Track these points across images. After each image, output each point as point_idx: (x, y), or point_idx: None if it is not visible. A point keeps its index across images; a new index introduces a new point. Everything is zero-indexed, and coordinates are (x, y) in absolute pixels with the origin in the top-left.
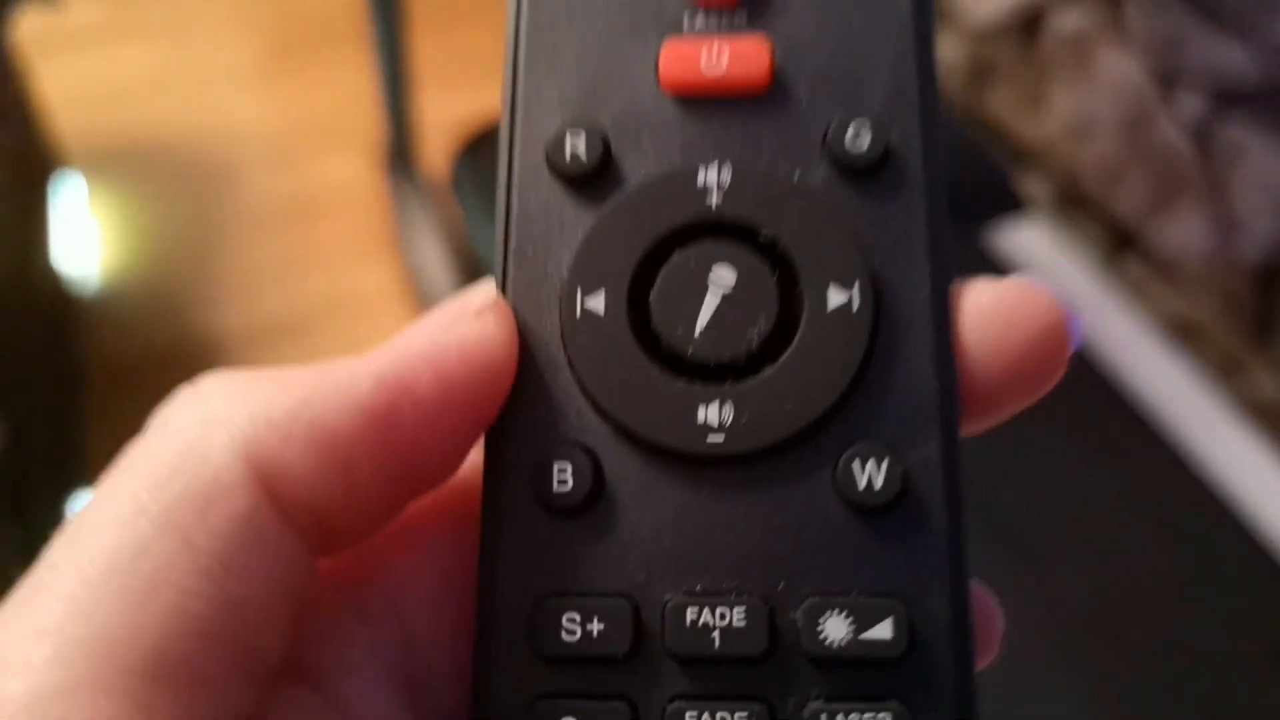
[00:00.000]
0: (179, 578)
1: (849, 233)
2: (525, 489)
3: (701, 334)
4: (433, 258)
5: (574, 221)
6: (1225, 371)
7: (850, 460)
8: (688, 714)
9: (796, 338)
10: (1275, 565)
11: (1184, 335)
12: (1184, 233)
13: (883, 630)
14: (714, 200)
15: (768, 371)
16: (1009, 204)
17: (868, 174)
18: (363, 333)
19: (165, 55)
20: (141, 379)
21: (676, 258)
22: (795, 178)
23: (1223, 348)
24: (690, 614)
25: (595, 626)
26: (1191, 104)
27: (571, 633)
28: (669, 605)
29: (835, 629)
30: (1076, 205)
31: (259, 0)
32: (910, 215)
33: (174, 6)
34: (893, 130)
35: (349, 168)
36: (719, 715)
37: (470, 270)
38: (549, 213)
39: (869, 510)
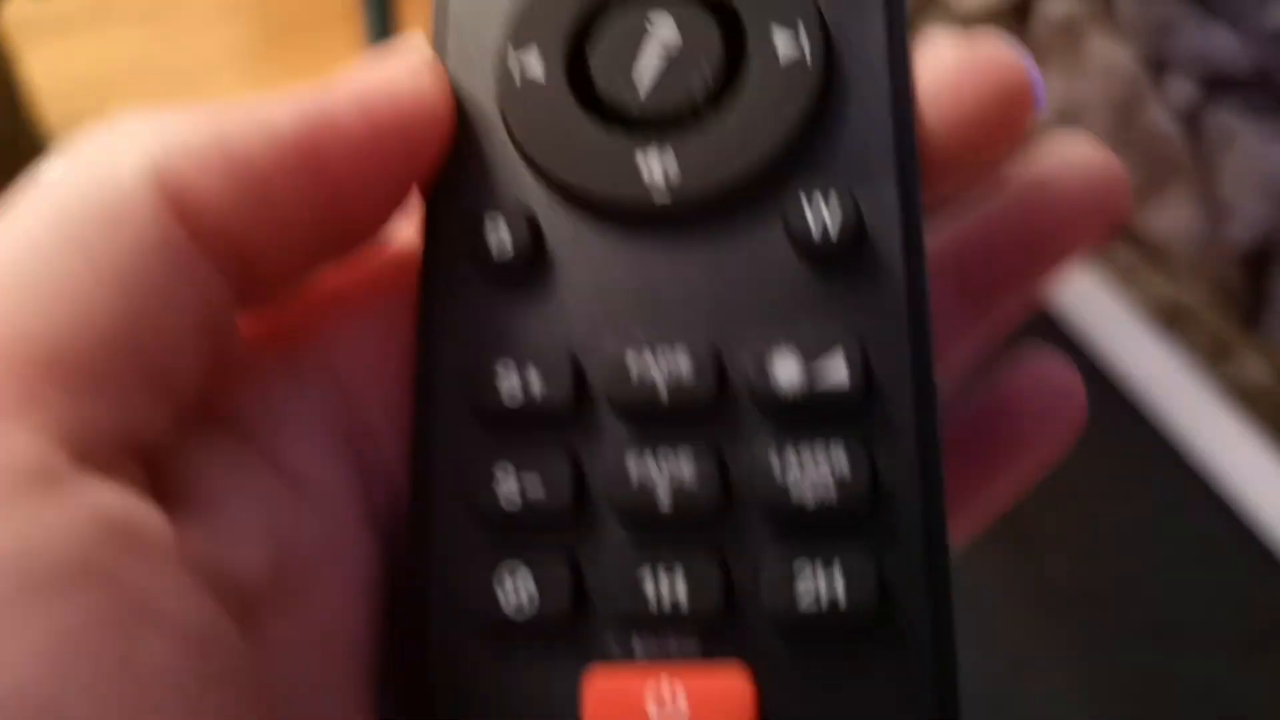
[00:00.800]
0: (79, 287)
1: None
2: (463, 252)
3: (642, 87)
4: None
5: None
6: (1214, 356)
7: (802, 201)
8: (629, 460)
9: (743, 87)
10: (1262, 547)
11: (1173, 320)
12: (1173, 218)
13: (836, 368)
14: None
15: (713, 121)
16: None
17: None
18: None
19: (154, 41)
20: None
21: (614, 10)
22: None
23: (1212, 332)
24: (633, 364)
25: (536, 383)
26: (1182, 90)
27: (511, 389)
28: (611, 357)
29: (786, 369)
30: None
31: None
32: None
33: None
34: None
35: None
36: (664, 455)
37: None
38: None
39: (823, 256)
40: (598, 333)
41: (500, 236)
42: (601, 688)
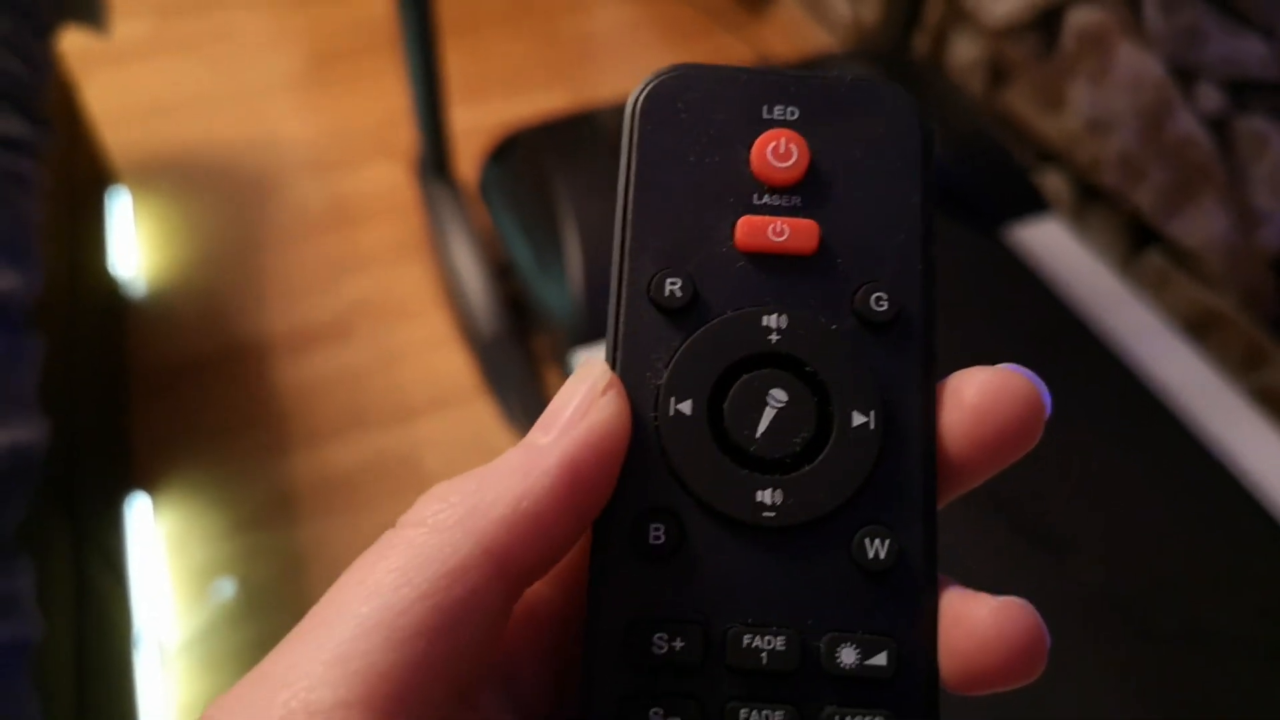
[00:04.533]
0: (428, 632)
1: (868, 371)
2: (627, 540)
3: (761, 437)
4: (466, 261)
5: (667, 340)
6: (1246, 362)
7: (863, 537)
8: (740, 711)
9: (828, 445)
10: None
11: (1205, 327)
12: (1204, 225)
13: (880, 659)
14: (773, 338)
15: (807, 468)
16: (1029, 201)
17: (883, 329)
18: (401, 336)
19: (209, 69)
20: (187, 382)
21: (744, 378)
22: (832, 326)
23: (1244, 338)
24: (745, 639)
25: (677, 643)
26: (1211, 97)
27: (659, 647)
28: (730, 632)
29: (847, 656)
30: (1097, 200)
31: (299, 13)
32: (911, 360)
33: (216, 21)
34: (902, 297)
35: (388, 175)
36: (763, 713)
37: (500, 272)
38: (649, 332)
39: (873, 573)
40: (721, 609)
41: (656, 531)
42: None
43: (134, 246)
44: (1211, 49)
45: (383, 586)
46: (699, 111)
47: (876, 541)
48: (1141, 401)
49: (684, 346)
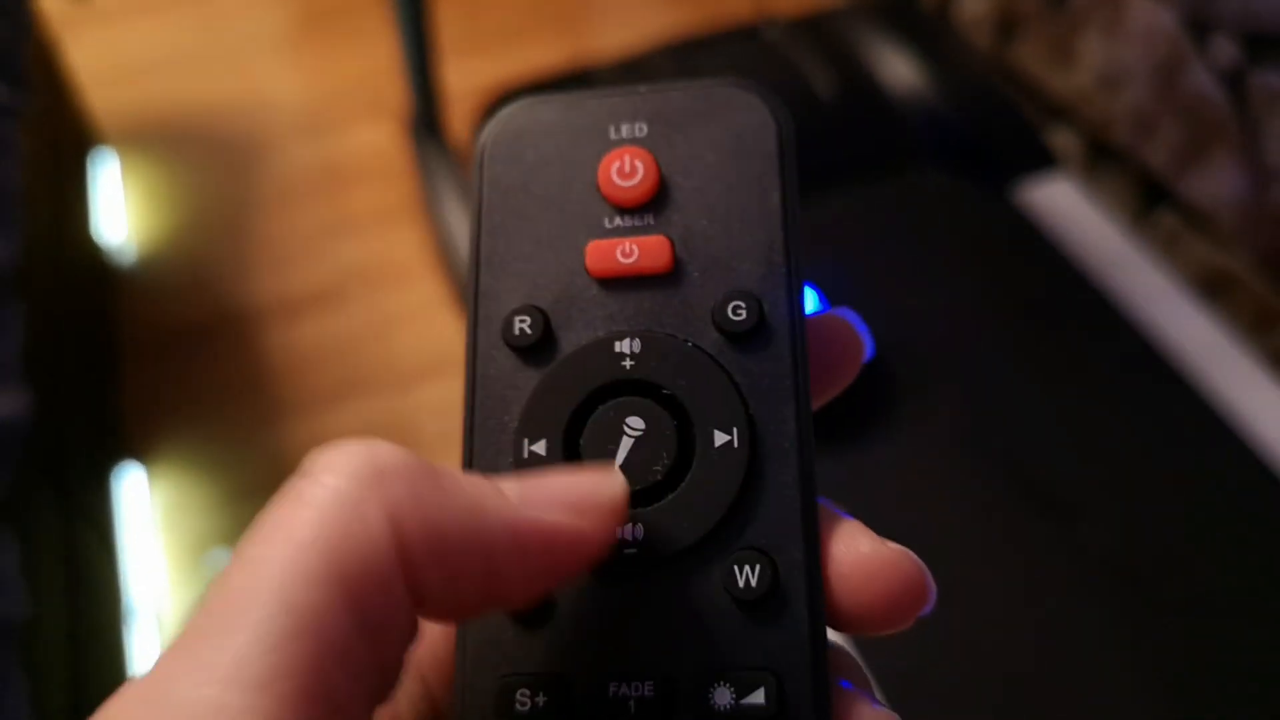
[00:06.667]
0: (345, 646)
1: (730, 386)
2: None
3: (619, 470)
4: (460, 224)
5: (523, 382)
6: (1258, 324)
7: (733, 564)
8: None
9: (691, 470)
10: None
11: (1217, 287)
12: (1217, 183)
13: (757, 697)
14: (627, 364)
15: (670, 497)
16: (1038, 158)
17: (746, 338)
18: (395, 301)
19: (195, 27)
20: (177, 350)
21: (599, 410)
22: (690, 343)
23: (1257, 300)
24: (611, 688)
25: (540, 699)
26: (1225, 51)
27: (523, 704)
28: (594, 682)
29: (721, 697)
30: (1107, 157)
31: None
32: (779, 368)
33: None
34: (765, 303)
35: (379, 135)
36: None
37: None
38: (503, 376)
39: (747, 603)
40: (585, 660)
41: None
42: None
43: (120, 210)
44: (1227, 1)
45: (290, 575)
46: (545, 144)
47: (748, 569)
48: (1151, 364)
49: (535, 385)
